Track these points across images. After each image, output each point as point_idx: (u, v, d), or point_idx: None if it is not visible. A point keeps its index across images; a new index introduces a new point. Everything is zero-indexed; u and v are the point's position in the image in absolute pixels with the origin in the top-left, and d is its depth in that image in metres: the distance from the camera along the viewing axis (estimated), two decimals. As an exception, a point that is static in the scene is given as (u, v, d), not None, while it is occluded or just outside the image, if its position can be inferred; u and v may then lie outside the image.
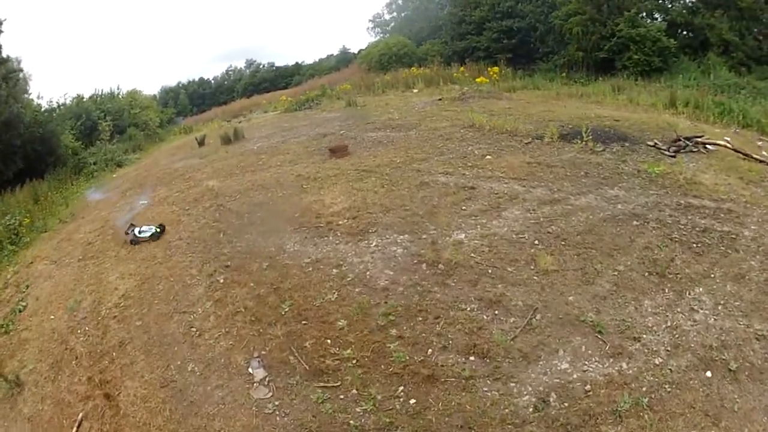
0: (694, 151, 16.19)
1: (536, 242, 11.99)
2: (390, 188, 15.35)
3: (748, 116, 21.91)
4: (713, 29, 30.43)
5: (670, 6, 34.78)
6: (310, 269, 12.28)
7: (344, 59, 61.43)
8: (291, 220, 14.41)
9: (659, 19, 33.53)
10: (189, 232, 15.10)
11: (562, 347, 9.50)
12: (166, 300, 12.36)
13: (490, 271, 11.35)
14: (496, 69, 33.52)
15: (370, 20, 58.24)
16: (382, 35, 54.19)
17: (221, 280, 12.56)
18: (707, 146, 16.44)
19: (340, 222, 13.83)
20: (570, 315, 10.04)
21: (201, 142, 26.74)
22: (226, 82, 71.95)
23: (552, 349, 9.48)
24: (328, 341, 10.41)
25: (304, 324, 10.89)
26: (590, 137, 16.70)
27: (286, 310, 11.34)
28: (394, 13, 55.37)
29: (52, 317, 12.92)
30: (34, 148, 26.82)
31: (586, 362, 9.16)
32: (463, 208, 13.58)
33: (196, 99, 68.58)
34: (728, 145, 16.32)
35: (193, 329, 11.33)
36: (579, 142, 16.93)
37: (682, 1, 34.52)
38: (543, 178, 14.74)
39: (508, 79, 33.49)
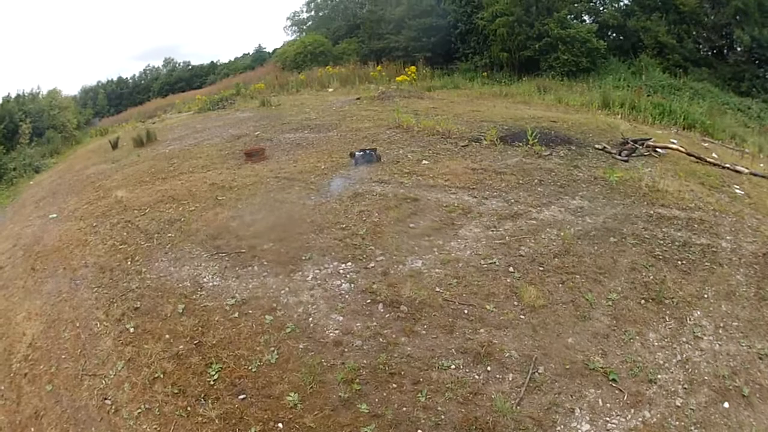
0: (645, 155, 14.94)
1: (510, 269, 9.67)
2: (319, 200, 12.81)
3: (689, 117, 21.41)
4: (648, 32, 29.69)
5: (601, 9, 34.20)
6: (237, 315, 9.34)
7: (260, 58, 59.13)
8: (206, 243, 11.66)
9: (589, 21, 32.80)
10: (95, 257, 12.28)
11: (578, 405, 7.45)
12: (73, 355, 9.62)
13: (465, 311, 8.80)
14: (413, 68, 31.04)
15: (288, 18, 54.91)
16: (299, 34, 51.36)
17: (131, 329, 9.64)
18: (657, 150, 15.32)
19: (265, 246, 11.04)
20: (576, 362, 7.93)
21: (114, 145, 24.07)
22: (143, 82, 68.24)
23: (567, 410, 7.39)
24: (280, 426, 7.50)
25: (243, 400, 7.93)
26: (536, 140, 14.94)
27: (215, 377, 8.36)
28: (312, 12, 52.17)
29: None
30: None
31: (608, 418, 7.36)
32: (411, 225, 11.12)
33: (114, 99, 64.15)
34: (681, 148, 15.45)
35: (108, 401, 8.53)
36: (521, 145, 15.23)
37: (615, 5, 33.83)
38: (494, 187, 12.65)
39: (427, 78, 32.02)
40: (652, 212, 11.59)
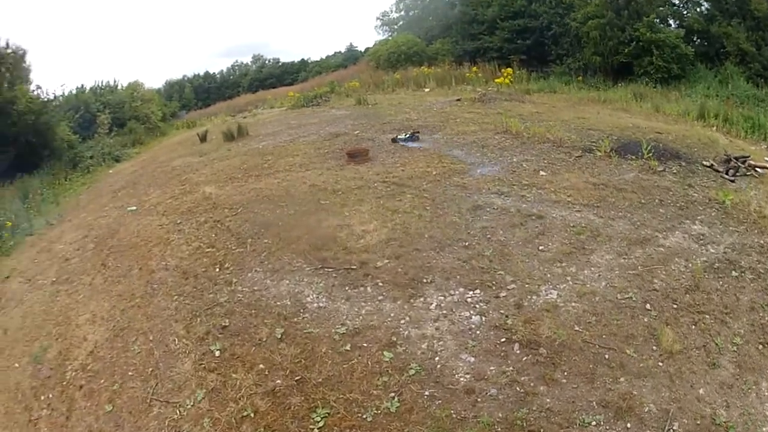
0: (747, 175, 13.25)
1: (647, 306, 8.17)
2: (435, 212, 11.19)
3: None
4: (730, 38, 27.05)
5: (685, 13, 31.32)
6: (348, 347, 7.71)
7: (351, 57, 56.47)
8: (309, 254, 10.07)
9: (674, 26, 30.29)
10: (177, 259, 10.87)
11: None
12: (143, 374, 8.07)
13: (606, 356, 7.30)
14: (509, 70, 29.47)
15: (377, 18, 52.15)
16: (390, 33, 49.01)
17: (216, 352, 8.08)
18: (757, 169, 13.55)
19: (379, 263, 9.45)
20: (705, 417, 6.66)
21: (203, 138, 22.78)
22: (231, 77, 66.89)
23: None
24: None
25: (355, 458, 6.11)
26: (651, 154, 13.44)
27: (321, 424, 6.67)
28: (402, 12, 49.82)
29: (17, 365, 9.21)
30: (28, 140, 23.08)
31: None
32: (541, 248, 9.55)
33: (201, 93, 62.39)
34: None
35: (182, 439, 6.73)
36: (634, 158, 13.62)
37: (697, 9, 30.94)
38: (617, 206, 11.14)
39: (523, 81, 29.99)
40: (763, 242, 10.10)
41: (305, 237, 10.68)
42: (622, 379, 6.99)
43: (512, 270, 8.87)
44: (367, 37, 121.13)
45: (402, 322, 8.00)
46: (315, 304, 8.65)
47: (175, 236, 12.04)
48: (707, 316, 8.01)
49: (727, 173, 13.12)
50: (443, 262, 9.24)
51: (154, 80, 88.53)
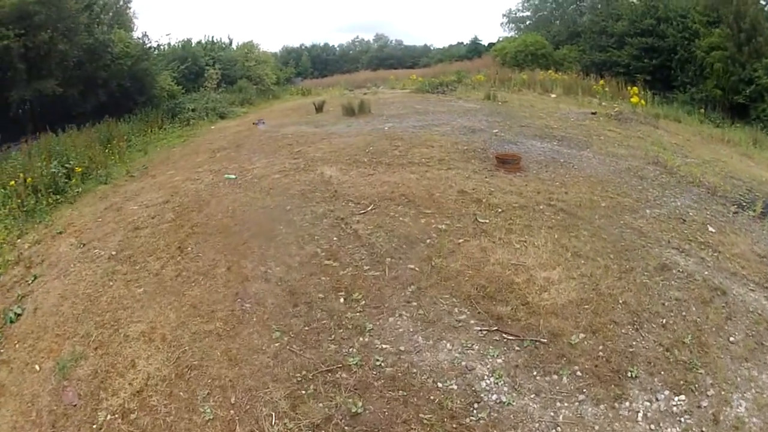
0: None
1: None
2: (621, 264, 8.28)
3: None
4: None
5: None
6: None
7: (474, 50, 53.84)
8: (478, 303, 7.09)
9: None
10: (283, 267, 7.79)
11: None
12: None
13: None
14: (636, 89, 25.41)
15: (504, 14, 50.87)
16: (515, 32, 46.26)
17: None
18: None
19: (574, 338, 6.60)
20: None
21: (319, 108, 19.99)
22: (351, 52, 66.31)
23: None
24: None
25: None
26: None
27: None
28: (530, 12, 46.86)
29: (37, 367, 6.65)
30: (121, 84, 20.70)
31: None
32: (731, 339, 7.03)
33: (318, 63, 61.79)
34: None
35: None
36: None
37: None
38: None
39: (649, 103, 25.96)
40: None
41: (468, 273, 7.72)
42: None
43: (710, 368, 6.60)
44: (490, 32, 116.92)
45: (609, 439, 5.37)
46: (494, 396, 5.74)
47: (283, 228, 9.02)
48: None
49: None
50: (645, 347, 6.72)
51: (271, 44, 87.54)
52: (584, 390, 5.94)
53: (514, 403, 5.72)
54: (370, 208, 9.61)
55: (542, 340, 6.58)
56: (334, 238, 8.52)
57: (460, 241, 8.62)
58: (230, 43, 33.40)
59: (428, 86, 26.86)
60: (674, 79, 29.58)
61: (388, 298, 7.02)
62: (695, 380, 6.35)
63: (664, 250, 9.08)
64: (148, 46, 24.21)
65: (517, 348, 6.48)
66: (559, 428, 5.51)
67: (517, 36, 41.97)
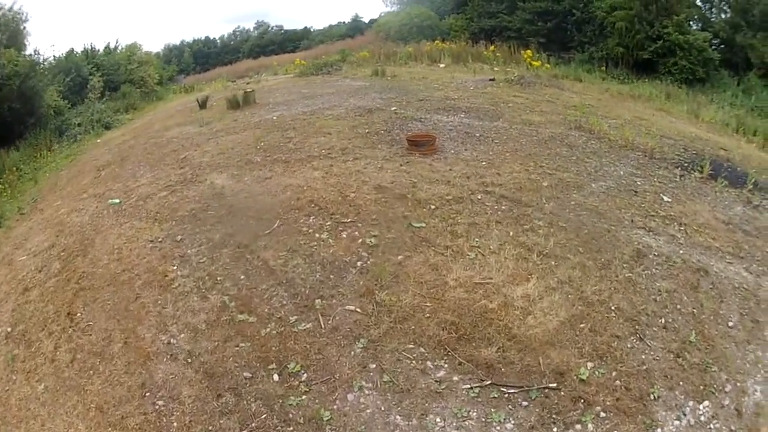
0: None
1: None
2: (596, 259, 7.47)
3: None
4: (755, 50, 25.11)
5: (713, 18, 29.42)
6: None
7: (356, 27, 53.35)
8: (455, 349, 5.85)
9: (699, 29, 27.98)
10: (189, 332, 6.28)
11: None
12: None
13: None
14: (529, 52, 26.22)
15: None
16: (398, 6, 45.27)
17: None
18: None
19: (584, 371, 5.67)
20: None
21: (202, 105, 18.79)
22: (232, 43, 65.78)
23: None
24: None
25: None
26: (752, 186, 10.88)
27: None
28: None
29: None
30: (12, 107, 19.36)
31: None
32: (730, 324, 6.78)
33: (200, 58, 60.27)
34: None
35: None
36: (726, 182, 11.05)
37: (722, 15, 29.18)
38: (754, 257, 8.36)
39: (547, 65, 26.26)
40: None
41: (427, 307, 6.35)
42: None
43: (721, 363, 6.38)
44: (372, 8, 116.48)
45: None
46: None
47: (176, 270, 7.50)
48: None
49: None
50: (655, 359, 6.17)
51: (154, 44, 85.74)
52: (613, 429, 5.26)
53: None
54: (276, 225, 8.19)
55: (550, 385, 5.47)
56: (242, 277, 7.09)
57: (400, 258, 7.29)
58: (116, 48, 32.00)
59: (312, 68, 26.41)
60: (570, 39, 30.13)
61: (335, 364, 5.70)
62: (712, 381, 6.07)
63: (630, 232, 8.46)
64: (32, 60, 23.12)
65: (524, 403, 5.32)
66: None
67: (400, 10, 41.76)
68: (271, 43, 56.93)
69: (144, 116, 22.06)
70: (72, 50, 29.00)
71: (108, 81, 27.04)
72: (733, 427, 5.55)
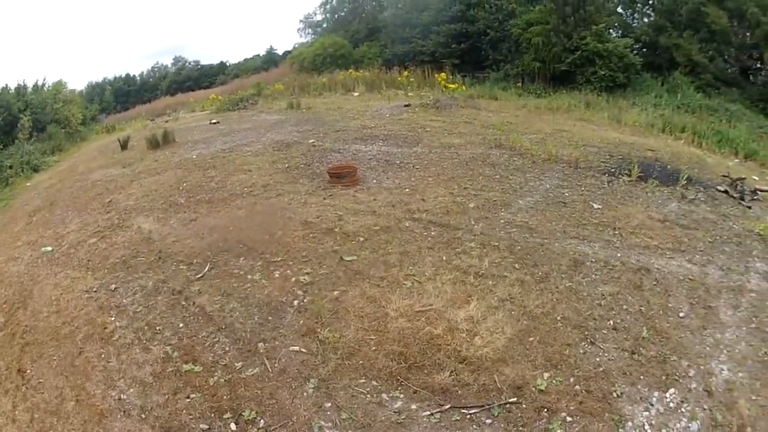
0: (755, 199, 11.75)
1: None
2: (534, 274, 7.67)
3: (748, 147, 17.09)
4: (680, 49, 26.04)
5: (634, 24, 30.78)
6: None
7: (271, 60, 53.39)
8: (407, 379, 5.85)
9: (620, 35, 28.97)
10: (138, 388, 6.00)
11: None
12: None
13: None
14: (443, 75, 26.60)
15: (301, 20, 50.30)
16: (313, 36, 46.21)
17: None
18: (758, 191, 12.11)
19: (540, 382, 5.81)
20: None
21: (124, 145, 18.80)
22: (151, 80, 64.84)
23: None
24: None
25: None
26: (685, 182, 11.60)
27: None
28: (328, 14, 46.84)
29: None
30: None
31: None
32: (681, 314, 7.09)
33: (120, 96, 58.79)
34: None
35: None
36: (657, 182, 11.66)
37: (645, 20, 30.56)
38: (695, 248, 8.98)
39: (462, 86, 26.67)
40: None
41: (372, 340, 6.34)
42: None
43: (679, 351, 6.66)
44: (287, 39, 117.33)
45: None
46: None
47: (115, 321, 7.25)
48: None
49: (743, 199, 11.60)
50: (611, 359, 6.38)
51: (77, 81, 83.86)
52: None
53: None
54: (207, 269, 8.00)
55: (510, 399, 5.52)
56: (180, 325, 6.89)
57: (336, 293, 7.22)
58: (43, 85, 30.78)
59: (229, 104, 26.53)
60: (485, 59, 30.47)
61: (290, 407, 5.55)
62: (673, 370, 6.30)
63: (564, 243, 8.72)
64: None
65: (488, 421, 5.35)
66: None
67: (314, 40, 42.08)
68: (188, 79, 56.41)
69: (70, 158, 21.61)
70: (6, 86, 28.36)
71: (36, 120, 26.34)
72: (706, 407, 5.74)
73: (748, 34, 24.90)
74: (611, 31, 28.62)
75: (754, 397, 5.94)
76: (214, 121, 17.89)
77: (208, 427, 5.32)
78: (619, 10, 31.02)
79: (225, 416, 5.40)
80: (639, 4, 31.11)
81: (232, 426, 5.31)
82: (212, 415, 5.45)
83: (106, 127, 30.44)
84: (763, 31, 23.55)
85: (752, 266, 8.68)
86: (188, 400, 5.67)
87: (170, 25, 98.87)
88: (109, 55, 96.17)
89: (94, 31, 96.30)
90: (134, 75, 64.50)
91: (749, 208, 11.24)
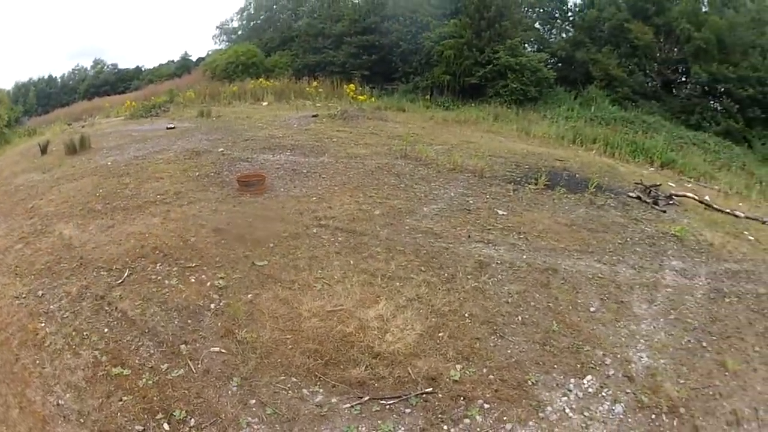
0: (671, 204, 12.53)
1: (703, 344, 7.24)
2: (440, 276, 8.11)
3: (664, 156, 18.39)
4: (597, 64, 26.98)
5: (552, 39, 31.84)
6: None
7: (185, 66, 51.28)
8: (324, 373, 6.18)
9: (535, 50, 29.73)
10: (74, 393, 6.06)
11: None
12: None
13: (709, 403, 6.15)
14: (352, 86, 27.03)
15: (217, 27, 48.54)
16: (228, 43, 45.01)
17: None
18: (674, 196, 13.00)
19: (453, 372, 6.22)
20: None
21: (44, 150, 18.15)
22: (71, 82, 61.14)
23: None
24: None
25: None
26: (595, 188, 12.34)
27: None
28: (243, 21, 45.96)
29: None
30: None
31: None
32: (591, 309, 7.64)
33: (42, 98, 55.52)
34: (694, 196, 13.27)
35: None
36: (564, 189, 12.26)
37: (563, 35, 31.82)
38: (605, 249, 9.62)
39: (371, 98, 27.17)
40: (723, 268, 9.54)
41: (288, 340, 6.60)
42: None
43: (592, 342, 7.08)
44: (201, 46, 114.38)
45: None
46: None
47: (45, 327, 7.27)
48: (733, 339, 7.52)
49: (656, 204, 12.25)
50: (522, 351, 6.77)
51: (4, 81, 78.90)
52: (504, 418, 5.69)
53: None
54: (126, 275, 8.10)
55: (426, 390, 5.84)
56: (105, 330, 6.94)
57: (250, 296, 7.47)
58: None
59: (142, 110, 25.89)
60: (394, 71, 30.68)
61: (217, 405, 5.74)
62: (588, 359, 6.61)
63: (469, 247, 9.13)
64: None
65: (407, 410, 5.65)
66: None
67: (227, 47, 41.35)
68: (106, 83, 54.02)
69: None
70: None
71: (-35, 121, 24.24)
72: (628, 390, 6.12)
73: (675, 49, 26.19)
74: (527, 45, 29.40)
75: (682, 381, 6.36)
76: (170, 126, 17.95)
77: (143, 428, 5.44)
78: (537, 25, 32.06)
79: (157, 417, 5.54)
80: (559, 21, 32.27)
81: (165, 426, 5.45)
82: (145, 416, 5.57)
83: (28, 130, 29.63)
84: (693, 46, 24.70)
85: (667, 264, 9.28)
86: (121, 402, 5.77)
87: (92, 26, 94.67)
88: (34, 52, 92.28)
89: (23, 28, 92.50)
90: (56, 77, 61.80)
91: (664, 212, 11.79)
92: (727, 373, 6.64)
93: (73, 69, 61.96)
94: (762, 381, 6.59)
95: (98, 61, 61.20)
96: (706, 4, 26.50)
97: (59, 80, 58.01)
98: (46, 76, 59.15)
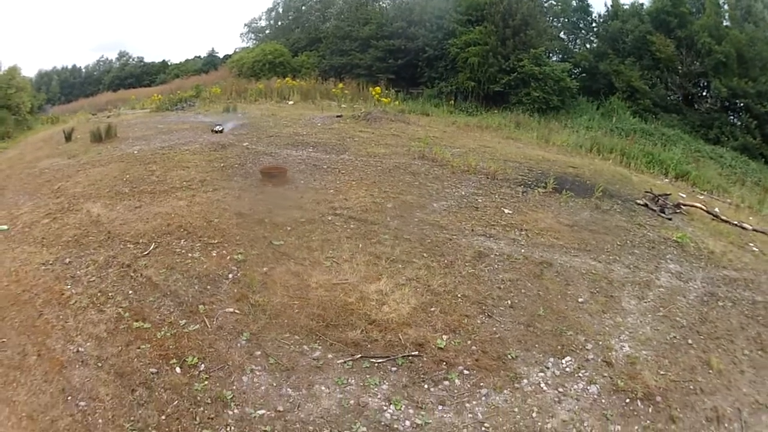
0: (677, 212, 12.81)
1: (689, 341, 7.65)
2: (440, 261, 8.80)
3: (678, 168, 18.57)
4: (620, 75, 27.13)
5: (576, 49, 32.19)
6: None
7: (211, 62, 52.27)
8: (325, 335, 6.89)
9: (559, 60, 29.95)
10: (93, 341, 6.67)
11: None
12: None
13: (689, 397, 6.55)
14: (378, 89, 27.23)
15: (245, 25, 49.31)
16: (256, 42, 45.40)
17: None
18: (681, 205, 13.24)
19: (440, 342, 6.87)
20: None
21: (68, 137, 18.33)
22: (95, 73, 62.19)
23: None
24: None
25: None
26: (601, 194, 12.62)
27: None
28: (271, 21, 46.58)
29: None
30: None
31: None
32: (580, 300, 8.15)
33: (65, 88, 57.21)
34: (702, 206, 13.39)
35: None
36: (572, 194, 12.56)
37: (587, 46, 32.02)
38: (603, 249, 10.06)
39: (397, 101, 27.41)
40: (721, 274, 9.85)
41: (295, 304, 7.34)
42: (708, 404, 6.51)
43: (576, 328, 7.56)
44: (228, 43, 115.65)
45: (533, 415, 5.93)
46: (406, 422, 5.66)
47: (71, 288, 7.89)
48: (722, 340, 7.87)
49: (663, 212, 12.50)
50: (507, 329, 7.36)
51: (28, 69, 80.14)
52: (481, 384, 6.22)
53: (431, 421, 5.64)
54: (152, 248, 8.79)
55: (413, 353, 6.53)
56: (130, 292, 7.63)
57: (265, 269, 8.21)
58: None
59: (168, 104, 26.66)
60: (420, 75, 30.74)
61: (226, 354, 6.45)
62: (569, 342, 7.09)
63: (471, 239, 9.72)
64: None
65: (393, 369, 6.35)
66: (485, 425, 5.66)
67: (255, 46, 41.64)
68: (131, 76, 54.76)
69: (17, 145, 21.44)
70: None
71: (-14, 104, 25.29)
72: (606, 374, 6.58)
73: (696, 62, 25.99)
74: (551, 55, 29.61)
75: (662, 372, 6.76)
76: (218, 128, 17.82)
77: (156, 371, 6.12)
78: (562, 35, 32.28)
79: (171, 362, 6.23)
80: (583, 31, 32.49)
81: (178, 369, 6.14)
82: (160, 361, 6.26)
83: (50, 118, 29.92)
84: (713, 60, 24.75)
85: (663, 266, 9.67)
86: (139, 350, 6.45)
87: (118, 19, 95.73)
88: (59, 43, 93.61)
89: (49, 18, 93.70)
90: (80, 67, 62.11)
91: (670, 219, 12.08)
92: (711, 371, 6.99)
93: (98, 60, 62.68)
94: (749, 383, 6.91)
95: (123, 53, 61.71)
96: (727, 18, 26.66)
97: (83, 71, 59.21)
98: (69, 66, 60.10)
